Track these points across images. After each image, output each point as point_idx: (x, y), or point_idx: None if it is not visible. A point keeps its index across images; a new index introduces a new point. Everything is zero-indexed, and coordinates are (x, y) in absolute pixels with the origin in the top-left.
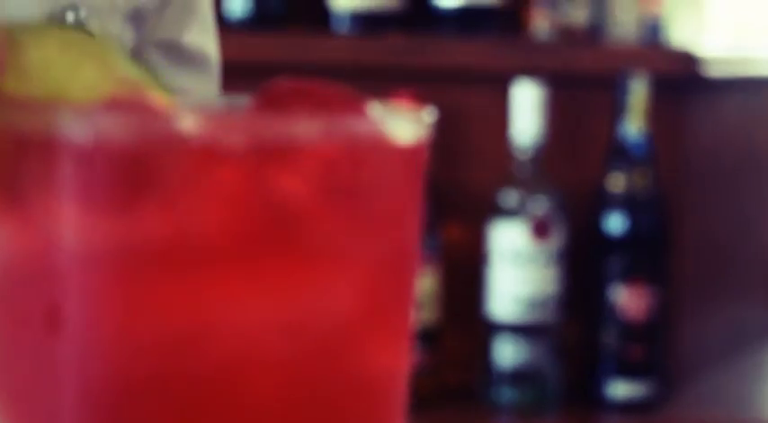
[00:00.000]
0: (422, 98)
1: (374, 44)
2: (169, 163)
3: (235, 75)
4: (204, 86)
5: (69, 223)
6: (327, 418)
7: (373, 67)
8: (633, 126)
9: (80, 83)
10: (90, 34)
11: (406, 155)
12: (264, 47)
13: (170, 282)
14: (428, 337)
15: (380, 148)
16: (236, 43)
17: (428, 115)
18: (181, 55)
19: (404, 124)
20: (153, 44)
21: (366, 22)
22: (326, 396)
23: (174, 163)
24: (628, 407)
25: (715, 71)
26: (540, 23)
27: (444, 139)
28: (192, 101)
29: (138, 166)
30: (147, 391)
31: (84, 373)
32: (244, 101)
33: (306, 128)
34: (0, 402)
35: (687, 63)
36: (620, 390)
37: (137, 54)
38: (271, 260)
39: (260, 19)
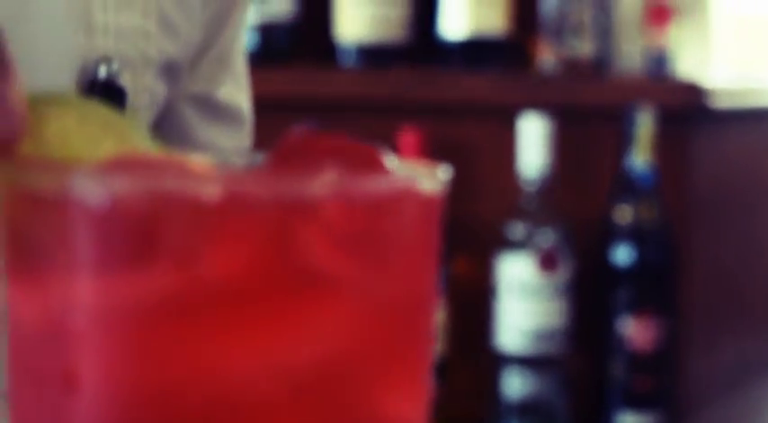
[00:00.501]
0: (428, 131)
1: (380, 78)
2: (183, 221)
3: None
4: (237, 141)
5: (84, 284)
6: None
7: (379, 101)
8: (639, 158)
9: (97, 156)
10: (112, 109)
11: (423, 207)
12: (271, 81)
13: (188, 336)
14: (436, 370)
15: (398, 202)
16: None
17: (444, 171)
18: (214, 109)
19: (421, 178)
20: (186, 98)
21: (372, 55)
22: None
23: (189, 221)
24: None
25: (720, 102)
26: (546, 56)
27: (451, 172)
28: (208, 159)
29: (152, 225)
30: None
31: None
32: (259, 156)
33: (323, 183)
34: None
35: (693, 95)
36: (628, 421)
37: (170, 108)
38: (289, 310)
39: (266, 53)
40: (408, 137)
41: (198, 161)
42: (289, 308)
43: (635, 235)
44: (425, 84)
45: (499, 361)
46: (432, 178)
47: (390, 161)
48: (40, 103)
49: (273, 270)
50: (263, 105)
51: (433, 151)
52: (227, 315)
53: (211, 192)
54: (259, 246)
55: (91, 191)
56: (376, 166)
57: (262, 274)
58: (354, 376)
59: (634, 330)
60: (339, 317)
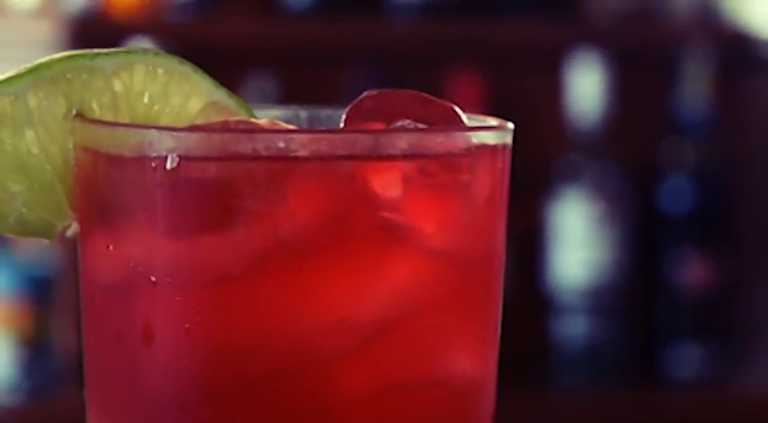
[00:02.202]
0: (482, 78)
1: (433, 26)
2: (258, 180)
3: (298, 63)
4: None
5: (162, 242)
6: (412, 418)
7: (433, 50)
8: (693, 99)
9: (168, 109)
10: (176, 58)
11: (494, 161)
12: (326, 33)
13: (263, 292)
14: None
15: (470, 155)
16: (299, 31)
17: (511, 123)
18: None
19: (492, 132)
20: None
21: (425, 4)
22: (413, 397)
23: (264, 179)
24: (694, 380)
25: None
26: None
27: (506, 117)
28: (279, 117)
29: (227, 183)
30: (236, 395)
31: (176, 383)
32: (338, 113)
33: (397, 138)
34: (93, 415)
35: (745, 36)
36: (687, 362)
37: None
38: (361, 265)
39: (320, 6)
40: (463, 83)
41: (269, 119)
42: (361, 262)
43: (690, 175)
44: (478, 30)
45: (552, 304)
46: (502, 132)
47: (462, 115)
48: (105, 60)
49: (347, 225)
50: (319, 56)
51: (488, 98)
52: (301, 270)
53: (285, 149)
54: (334, 201)
55: (164, 152)
56: (449, 121)
57: (336, 229)
58: (422, 332)
59: (691, 270)
60: (410, 272)
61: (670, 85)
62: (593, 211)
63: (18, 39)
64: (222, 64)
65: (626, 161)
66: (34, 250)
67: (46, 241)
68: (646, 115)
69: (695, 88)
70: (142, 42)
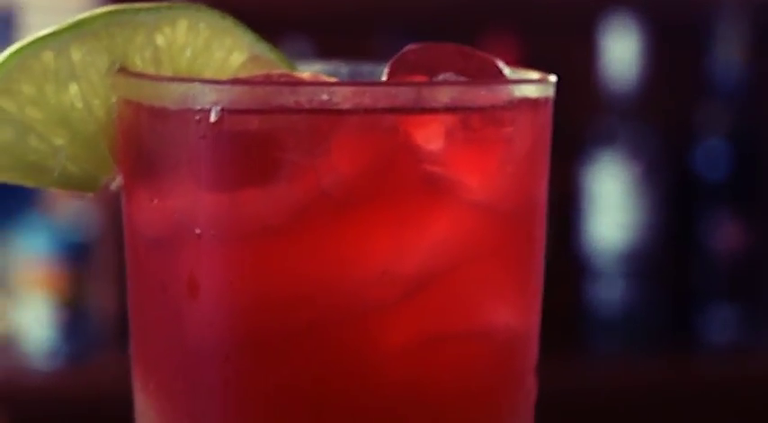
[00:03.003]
0: (518, 41)
1: None
2: (302, 133)
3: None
4: None
5: (205, 196)
6: (458, 371)
7: (468, 13)
8: (728, 62)
9: (210, 63)
10: (218, 12)
11: (536, 113)
12: None
13: (305, 245)
14: None
15: (513, 108)
16: None
17: (553, 77)
18: None
19: (534, 85)
20: None
21: None
22: (455, 350)
23: (307, 132)
24: (728, 343)
25: None
26: None
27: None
28: (322, 70)
29: (270, 137)
30: (279, 346)
31: (220, 334)
32: (379, 69)
33: (440, 91)
34: (140, 368)
35: None
36: (721, 326)
37: None
38: (404, 217)
39: None
40: (498, 47)
41: (311, 72)
42: (403, 215)
43: (725, 138)
44: None
45: (587, 269)
46: (544, 85)
47: (504, 69)
48: (148, 12)
49: (389, 178)
50: (353, 19)
51: (524, 61)
52: (343, 223)
53: (328, 102)
54: (376, 154)
55: (207, 105)
56: (490, 74)
57: (378, 181)
58: (465, 285)
59: (724, 234)
60: (452, 224)
61: (705, 49)
62: (628, 174)
63: (54, 4)
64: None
65: (661, 125)
66: (71, 214)
67: (89, 194)
68: (681, 79)
69: (730, 51)
70: None
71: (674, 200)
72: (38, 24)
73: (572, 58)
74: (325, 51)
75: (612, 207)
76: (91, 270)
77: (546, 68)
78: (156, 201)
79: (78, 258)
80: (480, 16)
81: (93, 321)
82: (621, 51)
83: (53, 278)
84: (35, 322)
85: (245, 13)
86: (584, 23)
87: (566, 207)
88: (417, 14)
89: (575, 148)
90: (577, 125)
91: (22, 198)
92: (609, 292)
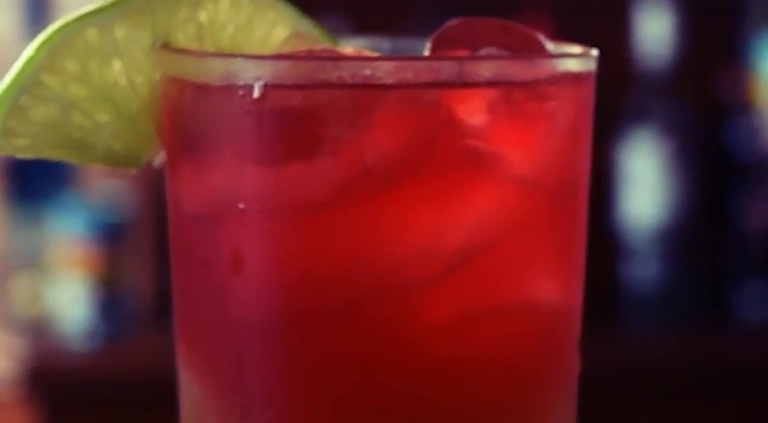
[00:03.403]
0: (552, 19)
1: None
2: (344, 108)
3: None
4: None
5: (249, 172)
6: (501, 347)
7: None
8: (762, 37)
9: (252, 39)
10: None
11: (579, 88)
12: None
13: (348, 221)
14: None
15: (555, 83)
16: None
17: (595, 51)
18: None
19: (576, 59)
20: None
21: None
22: (498, 325)
23: (350, 108)
24: (763, 321)
25: None
26: None
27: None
28: (364, 46)
29: (313, 112)
30: (323, 322)
31: (265, 310)
32: (420, 44)
33: (482, 65)
34: (184, 344)
35: None
36: (756, 304)
37: None
38: (447, 193)
39: None
40: (533, 26)
41: (353, 47)
42: (446, 190)
43: (758, 114)
44: None
45: (623, 246)
46: (586, 59)
47: (546, 43)
48: None
49: (432, 153)
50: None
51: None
52: (387, 198)
53: (371, 77)
54: (419, 129)
55: (253, 79)
56: (532, 49)
57: (421, 156)
58: (508, 259)
59: (760, 210)
60: (495, 199)
61: (739, 25)
62: (661, 152)
63: None
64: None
65: (695, 102)
66: (106, 193)
67: (132, 171)
68: (715, 55)
69: (763, 27)
70: None
71: (708, 177)
72: (71, 3)
73: (605, 36)
74: (360, 29)
75: (646, 185)
76: (126, 249)
77: (580, 45)
78: (199, 177)
79: (114, 237)
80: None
81: (130, 301)
82: (655, 28)
83: (89, 258)
84: (71, 303)
85: None
86: (618, 0)
87: (600, 185)
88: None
89: (608, 125)
90: (611, 103)
91: (56, 177)
92: (642, 270)
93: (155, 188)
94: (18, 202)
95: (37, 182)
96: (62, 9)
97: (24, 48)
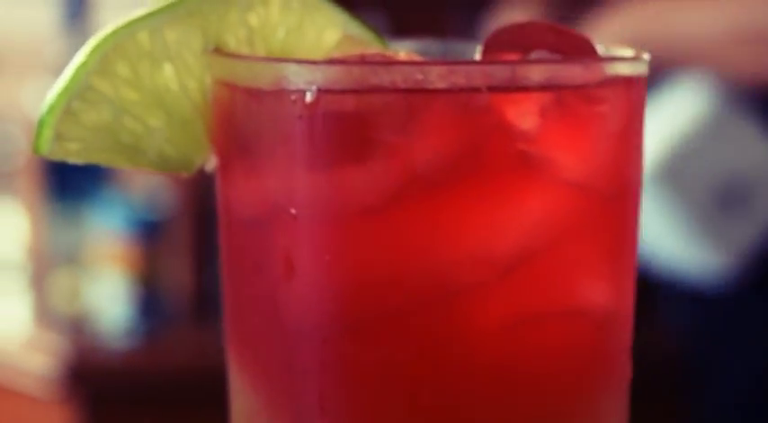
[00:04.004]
0: None
1: None
2: (396, 113)
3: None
4: None
5: (301, 176)
6: (552, 351)
7: None
8: None
9: (303, 42)
10: None
11: (630, 92)
12: None
13: (401, 225)
14: None
15: (607, 87)
16: None
17: (646, 54)
18: None
19: (627, 63)
20: None
21: None
22: (551, 330)
23: (402, 112)
24: None
25: None
26: None
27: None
28: (414, 49)
29: (365, 117)
30: (376, 327)
31: (317, 315)
32: (470, 47)
33: (534, 69)
34: (236, 348)
35: None
36: None
37: None
38: (499, 196)
39: None
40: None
41: (404, 51)
42: (498, 194)
43: None
44: None
45: None
46: (637, 63)
47: (596, 46)
48: None
49: (484, 157)
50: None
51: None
52: (439, 202)
53: (422, 81)
54: (471, 133)
55: (302, 85)
56: (583, 52)
57: (473, 161)
58: (560, 264)
59: None
60: (547, 203)
61: None
62: None
63: None
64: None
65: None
66: (146, 190)
67: (185, 174)
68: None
69: None
70: None
71: None
72: (109, 3)
73: None
74: (399, 26)
75: None
76: (166, 246)
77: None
78: (251, 181)
79: (153, 234)
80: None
81: (169, 298)
82: None
83: (128, 255)
84: (110, 300)
85: None
86: None
87: None
88: None
89: None
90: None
91: (96, 174)
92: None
93: (194, 185)
94: (58, 198)
95: (77, 179)
96: (102, 5)
97: (65, 43)
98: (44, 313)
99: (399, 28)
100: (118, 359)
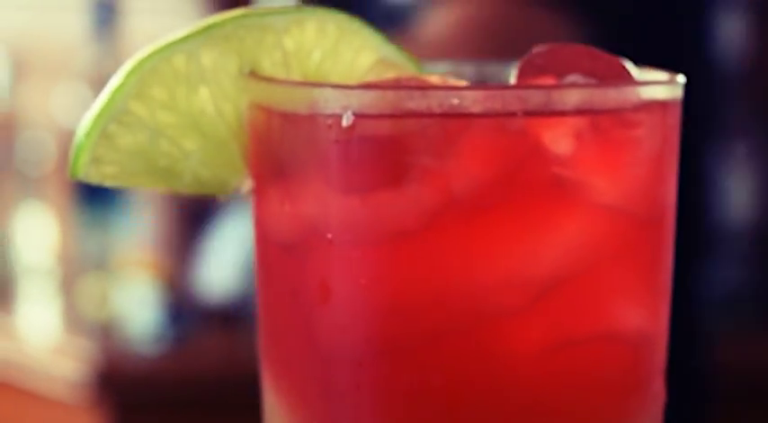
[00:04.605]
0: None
1: None
2: (431, 137)
3: None
4: None
5: (336, 200)
6: (587, 374)
7: None
8: None
9: (338, 65)
10: (346, 14)
11: (663, 113)
12: None
13: (436, 249)
14: None
15: (642, 110)
16: None
17: (681, 77)
18: None
19: (662, 87)
20: None
21: None
22: (585, 353)
23: (436, 136)
24: None
25: None
26: None
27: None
28: (448, 72)
29: (400, 141)
30: (412, 350)
31: (353, 339)
32: (503, 69)
33: (569, 93)
34: (271, 369)
35: None
36: None
37: None
38: (534, 220)
39: None
40: None
41: (438, 75)
42: (534, 218)
43: None
44: None
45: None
46: (672, 86)
47: (630, 69)
48: (277, 15)
49: (520, 181)
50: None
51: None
52: (474, 226)
53: (458, 106)
54: (506, 157)
55: (342, 108)
56: (617, 75)
57: (508, 185)
58: (595, 288)
59: None
60: (583, 227)
61: None
62: (737, 153)
63: None
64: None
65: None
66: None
67: (220, 197)
68: None
69: None
70: None
71: None
72: (139, 6)
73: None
74: None
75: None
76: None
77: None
78: (287, 205)
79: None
80: None
81: (198, 305)
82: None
83: (157, 260)
84: (139, 305)
85: None
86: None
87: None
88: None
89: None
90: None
91: None
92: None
93: None
94: (87, 204)
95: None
96: (132, 11)
97: (94, 49)
98: (73, 319)
99: None
100: (147, 365)
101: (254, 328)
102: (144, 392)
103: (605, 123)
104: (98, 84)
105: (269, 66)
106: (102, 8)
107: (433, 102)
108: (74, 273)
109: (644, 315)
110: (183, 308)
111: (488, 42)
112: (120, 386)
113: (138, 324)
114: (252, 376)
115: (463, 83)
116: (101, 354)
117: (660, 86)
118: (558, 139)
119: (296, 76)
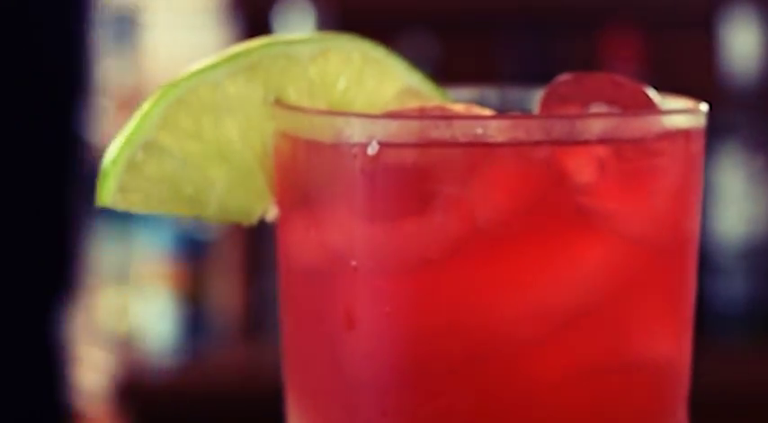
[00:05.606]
0: (639, 35)
1: None
2: (456, 166)
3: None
4: None
5: (361, 228)
6: (611, 404)
7: (589, 9)
8: None
9: (363, 94)
10: (370, 42)
11: (687, 142)
12: None
13: (460, 278)
14: None
15: (666, 140)
16: None
17: (704, 106)
18: None
19: (685, 115)
20: None
21: None
22: (609, 383)
23: (461, 166)
24: None
25: None
26: None
27: (661, 72)
28: (473, 100)
29: (425, 170)
30: (437, 379)
31: (378, 367)
32: (527, 94)
33: (593, 123)
34: (295, 396)
35: None
36: None
37: None
38: (558, 250)
39: None
40: (619, 42)
41: (463, 102)
42: (558, 247)
43: None
44: None
45: (710, 262)
46: (695, 115)
47: (654, 97)
48: (302, 44)
49: (544, 210)
50: (474, 16)
51: (644, 55)
52: (499, 255)
53: (482, 135)
54: (530, 186)
55: (362, 138)
56: (640, 104)
57: (532, 214)
58: (619, 317)
59: None
60: (606, 256)
61: None
62: (749, 167)
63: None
64: (378, 24)
65: None
66: None
67: (246, 224)
68: None
69: None
70: (300, 3)
71: None
72: (157, 21)
73: (692, 51)
74: (445, 50)
75: (733, 200)
76: (213, 264)
77: (666, 59)
78: (312, 233)
79: (201, 253)
80: (600, 12)
81: (216, 317)
82: (741, 43)
83: (176, 273)
84: (158, 318)
85: (368, 10)
86: (704, 16)
87: None
88: (539, 11)
89: None
90: None
91: None
92: (730, 286)
93: None
94: (106, 217)
95: None
96: (150, 26)
97: (110, 63)
98: (93, 331)
99: (445, 53)
100: (165, 377)
101: (271, 342)
102: (162, 405)
103: (629, 152)
104: (117, 97)
105: (294, 94)
106: (120, 22)
107: (457, 131)
108: (93, 285)
109: (667, 344)
110: (202, 321)
111: None
112: (139, 398)
113: (156, 337)
114: (270, 390)
115: (488, 111)
116: (120, 366)
117: (683, 115)
118: (582, 169)
119: (321, 105)
